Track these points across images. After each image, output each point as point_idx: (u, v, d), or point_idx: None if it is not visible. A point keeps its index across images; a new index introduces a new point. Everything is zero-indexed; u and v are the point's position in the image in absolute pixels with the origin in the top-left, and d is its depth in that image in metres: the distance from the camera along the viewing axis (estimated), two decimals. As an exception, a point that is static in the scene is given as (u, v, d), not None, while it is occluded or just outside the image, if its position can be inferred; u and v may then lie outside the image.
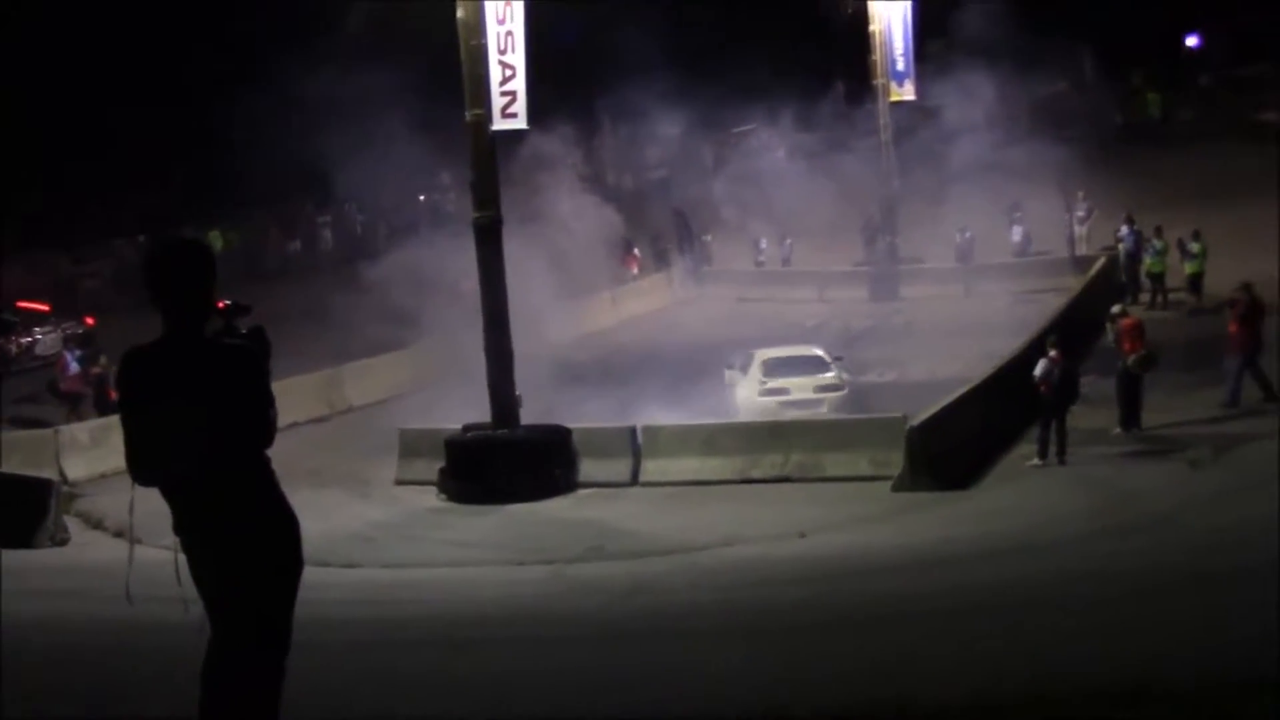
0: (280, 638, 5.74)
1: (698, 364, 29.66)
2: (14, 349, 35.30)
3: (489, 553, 18.04)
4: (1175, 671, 7.72)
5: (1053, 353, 20.85)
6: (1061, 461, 20.23)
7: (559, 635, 11.85)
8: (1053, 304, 30.21)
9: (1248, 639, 8.54)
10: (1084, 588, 12.07)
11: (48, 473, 22.36)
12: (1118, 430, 21.61)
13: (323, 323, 31.27)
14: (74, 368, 29.79)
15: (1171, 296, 33.60)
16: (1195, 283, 32.92)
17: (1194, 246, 32.85)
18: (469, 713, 8.06)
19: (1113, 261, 35.36)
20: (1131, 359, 21.76)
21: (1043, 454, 20.35)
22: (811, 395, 25.11)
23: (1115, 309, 23.42)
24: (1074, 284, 33.27)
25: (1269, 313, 23.45)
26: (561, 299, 35.28)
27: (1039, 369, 20.64)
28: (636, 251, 44.82)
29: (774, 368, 26.07)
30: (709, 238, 45.29)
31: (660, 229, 46.12)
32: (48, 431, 25.81)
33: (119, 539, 18.52)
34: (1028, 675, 7.86)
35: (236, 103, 34.66)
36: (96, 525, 20.65)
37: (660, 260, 45.13)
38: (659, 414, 23.73)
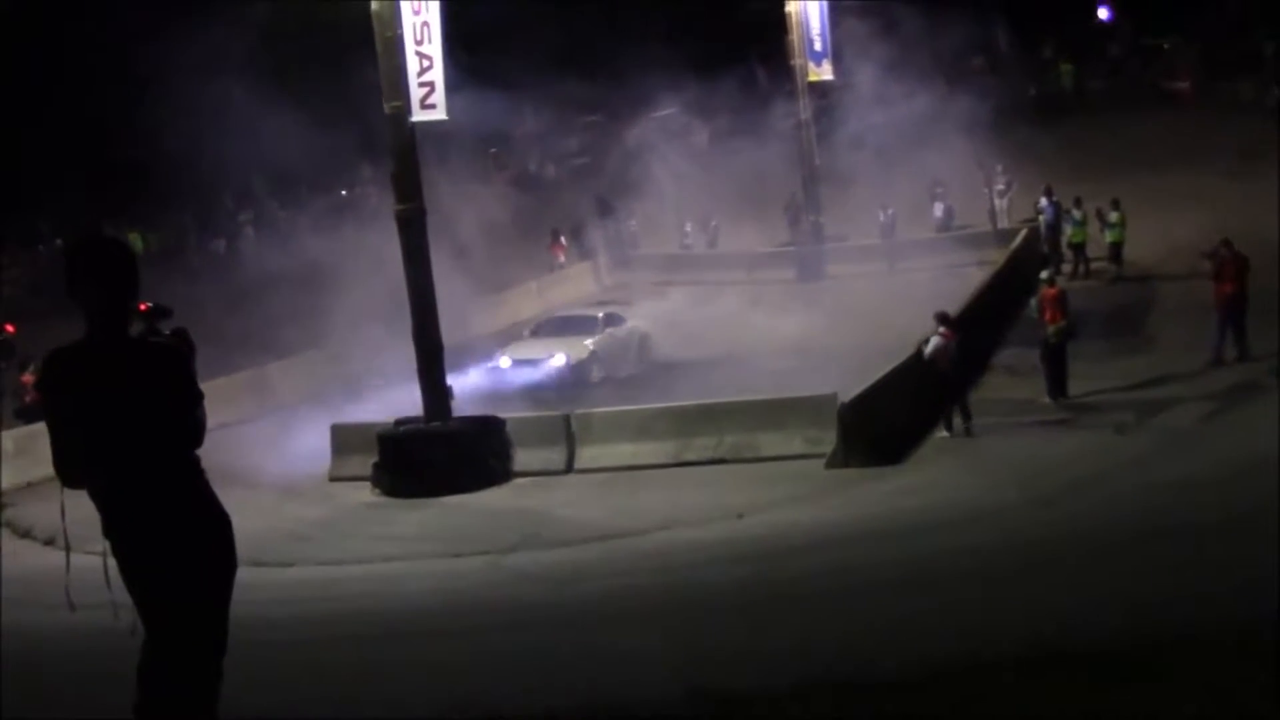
0: (217, 639, 5.69)
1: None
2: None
3: (425, 546, 17.97)
4: (1094, 633, 7.90)
5: (943, 329, 21.28)
6: (968, 433, 20.70)
7: (498, 624, 11.85)
8: (976, 277, 30.47)
9: (1177, 598, 8.71)
10: (1014, 556, 12.23)
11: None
12: (1045, 400, 21.87)
13: (247, 321, 30.92)
14: None
15: (1094, 266, 34.00)
16: (1116, 251, 33.40)
17: (1113, 216, 33.33)
18: (411, 706, 8.02)
19: (1034, 233, 35.72)
20: (1052, 329, 22.09)
21: (948, 426, 20.85)
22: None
23: (1043, 275, 23.70)
24: (996, 257, 33.59)
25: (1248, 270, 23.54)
26: (486, 290, 35.22)
27: (929, 347, 20.97)
28: (563, 240, 44.74)
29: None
30: (633, 223, 45.26)
31: (583, 216, 46.06)
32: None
33: (48, 547, 18.32)
34: (962, 644, 7.93)
35: (150, 102, 34.23)
36: (25, 534, 20.37)
37: (584, 248, 45.05)
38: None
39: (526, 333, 29.66)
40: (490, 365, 28.77)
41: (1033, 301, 23.31)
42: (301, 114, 32.08)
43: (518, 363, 28.64)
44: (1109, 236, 33.43)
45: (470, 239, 34.10)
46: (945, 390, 20.97)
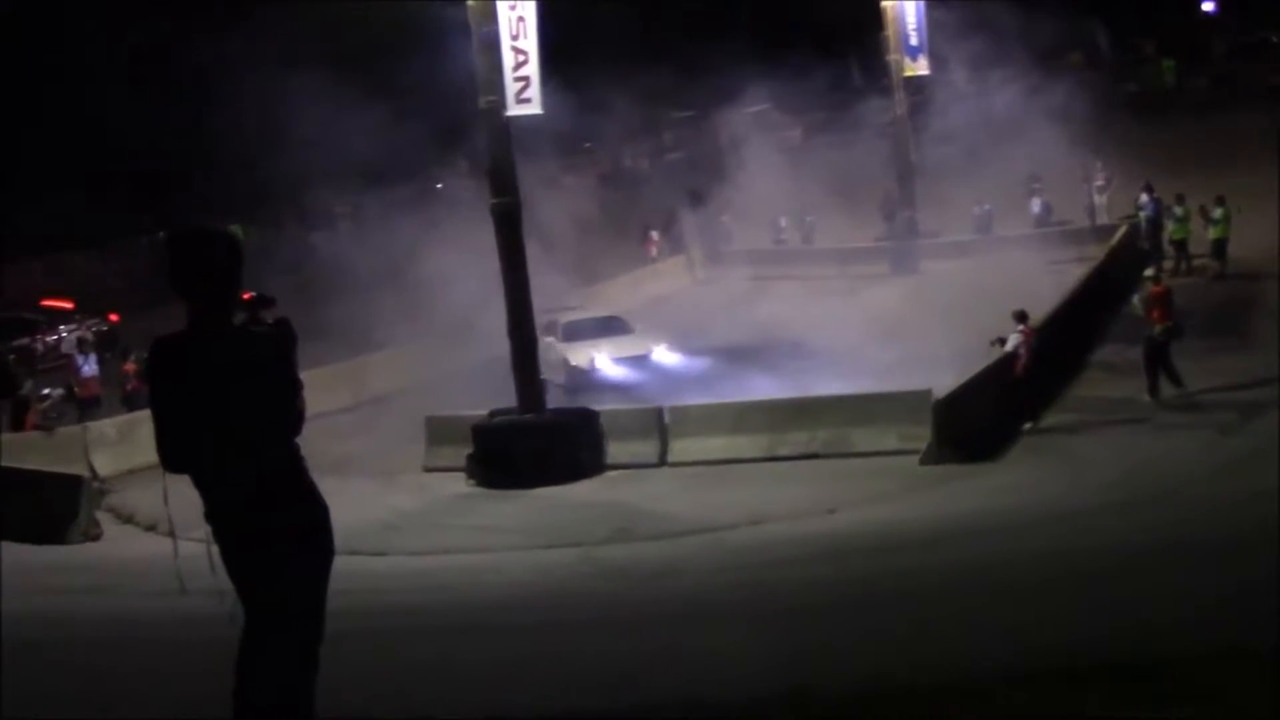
0: (314, 627, 5.75)
1: (718, 344, 29.88)
2: (40, 348, 35.36)
3: (517, 538, 18.05)
4: (1189, 643, 7.65)
5: (1021, 327, 21.53)
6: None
7: (589, 619, 11.83)
8: (1074, 273, 30.05)
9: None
10: (1105, 561, 12.01)
11: (77, 469, 22.47)
12: (1145, 398, 21.53)
13: (345, 312, 31.23)
14: (87, 370, 28.89)
15: (1196, 263, 33.37)
16: (1220, 248, 32.63)
17: (1217, 213, 32.57)
18: (500, 699, 8.04)
19: (1134, 230, 35.17)
20: (1159, 328, 21.71)
21: (1033, 418, 20.94)
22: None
23: (1148, 272, 23.38)
24: (1095, 253, 33.11)
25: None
26: (579, 284, 35.28)
27: (1010, 342, 20.95)
28: (655, 235, 44.76)
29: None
30: (726, 218, 45.15)
31: (675, 211, 46.02)
32: (76, 428, 25.90)
33: (150, 533, 18.68)
34: (1053, 649, 7.80)
35: (246, 95, 34.69)
36: (128, 520, 20.76)
37: (677, 242, 45.04)
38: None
39: (553, 339, 28.63)
40: (576, 366, 28.55)
41: (1136, 299, 22.94)
42: (395, 106, 32.40)
43: (619, 360, 28.45)
44: (1213, 233, 32.70)
45: (563, 233, 34.19)
46: (1022, 388, 20.99)
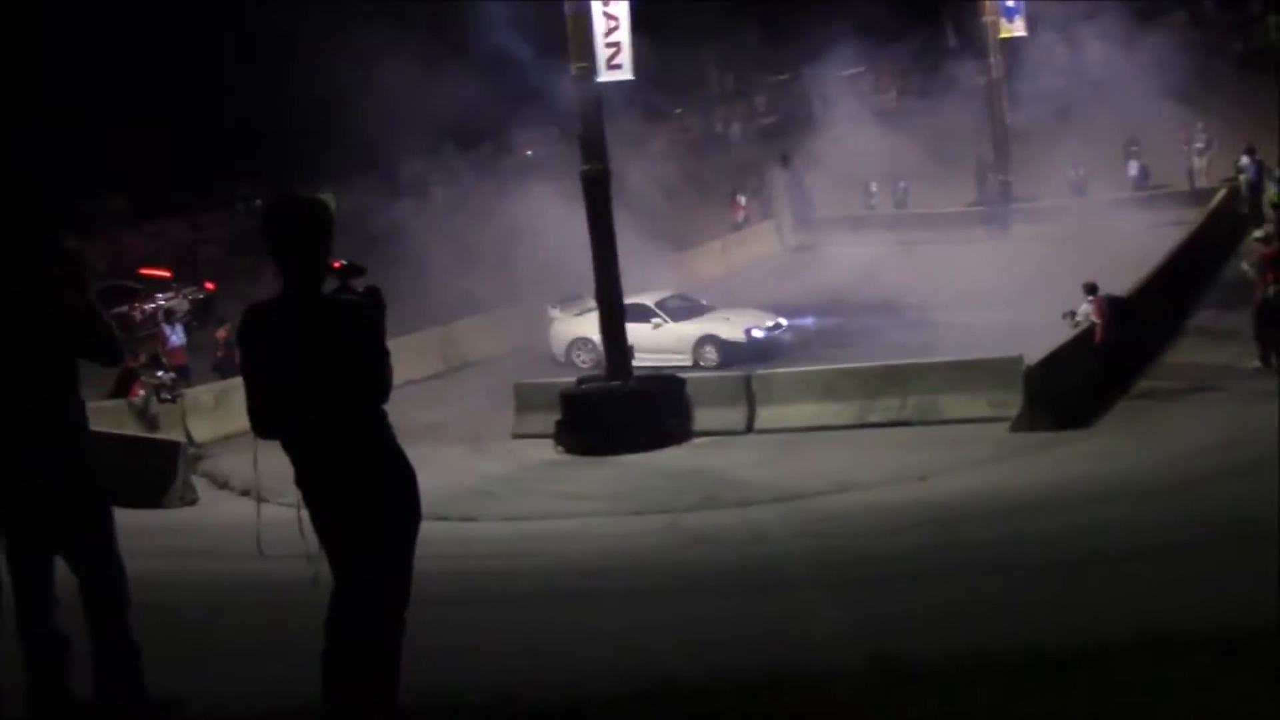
0: (400, 590, 5.80)
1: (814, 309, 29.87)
2: (138, 315, 35.93)
3: (605, 504, 18.13)
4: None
5: (1090, 298, 21.15)
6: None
7: (676, 587, 11.84)
8: (1172, 237, 29.50)
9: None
10: (1197, 531, 11.81)
11: (175, 435, 22.84)
12: (1254, 364, 20.89)
13: (437, 278, 31.43)
14: (174, 340, 29.07)
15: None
16: (1320, 212, 31.84)
17: (1322, 175, 31.74)
18: (586, 665, 8.08)
19: (1234, 193, 34.46)
20: (1273, 289, 20.75)
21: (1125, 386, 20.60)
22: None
23: (1257, 234, 22.83)
24: (1194, 217, 32.47)
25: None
26: (668, 250, 35.21)
27: (1080, 313, 20.98)
28: (742, 199, 44.52)
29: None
30: (808, 181, 44.71)
31: (766, 176, 45.70)
32: (173, 386, 26.23)
33: (245, 498, 18.92)
34: (1136, 622, 7.66)
35: (337, 64, 34.94)
36: (223, 485, 21.07)
37: (767, 207, 44.77)
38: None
39: (657, 321, 28.38)
40: (728, 340, 28.07)
41: (1245, 264, 22.29)
42: (486, 72, 32.47)
43: (769, 330, 28.24)
44: (1319, 197, 31.85)
45: (652, 198, 34.10)
46: (1109, 359, 20.62)
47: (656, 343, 27.58)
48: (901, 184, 43.76)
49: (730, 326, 28.16)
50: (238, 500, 19.53)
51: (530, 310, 30.32)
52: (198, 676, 7.58)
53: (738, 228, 43.71)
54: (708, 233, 41.70)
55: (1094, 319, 21.31)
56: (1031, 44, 42.88)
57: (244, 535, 13.73)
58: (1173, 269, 25.27)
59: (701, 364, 27.27)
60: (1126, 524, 12.75)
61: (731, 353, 27.34)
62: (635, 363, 23.98)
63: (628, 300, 24.69)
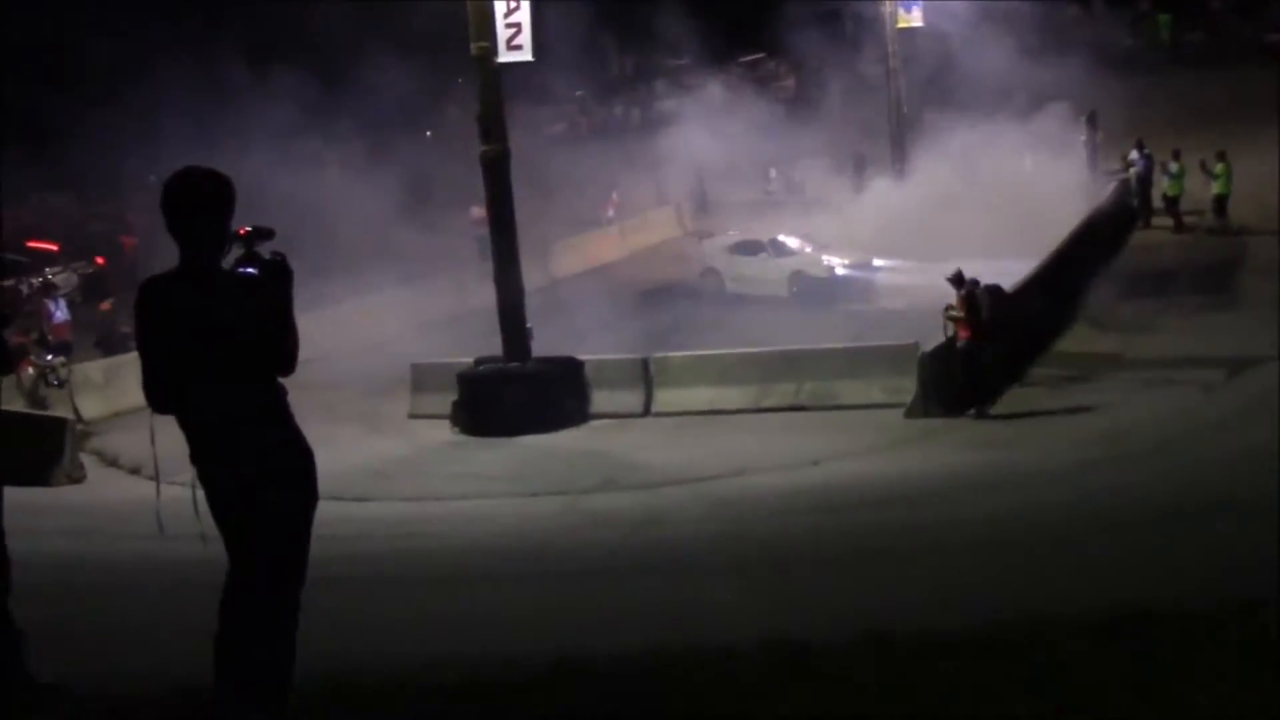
0: (295, 571, 5.74)
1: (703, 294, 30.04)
2: (25, 289, 35.20)
3: (502, 485, 18.07)
4: (1168, 599, 7.64)
5: (959, 290, 20.17)
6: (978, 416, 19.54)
7: (573, 568, 11.87)
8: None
9: (1244, 565, 8.52)
10: (1087, 517, 12.07)
11: (62, 411, 22.42)
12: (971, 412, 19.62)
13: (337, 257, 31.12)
14: (59, 316, 28.37)
15: (1196, 219, 33.10)
16: (1221, 204, 32.30)
17: (1218, 168, 32.17)
18: (481, 645, 8.07)
19: (1124, 186, 35.05)
20: (961, 341, 19.88)
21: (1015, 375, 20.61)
22: None
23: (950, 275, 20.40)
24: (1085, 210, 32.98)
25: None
26: (564, 234, 35.17)
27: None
28: (615, 195, 43.97)
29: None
30: (700, 172, 44.68)
31: (663, 162, 45.64)
32: (61, 370, 25.78)
33: (134, 476, 18.67)
34: (1028, 604, 7.81)
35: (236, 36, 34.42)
36: (112, 463, 20.74)
37: (664, 193, 44.74)
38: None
39: (765, 256, 31.91)
40: (815, 275, 30.73)
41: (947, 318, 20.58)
42: (388, 52, 32.18)
43: (850, 267, 30.80)
44: (1215, 188, 32.35)
45: (550, 181, 34.07)
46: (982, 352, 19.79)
47: (762, 273, 31.51)
48: (797, 173, 44.01)
49: (815, 264, 31.17)
50: (127, 478, 19.25)
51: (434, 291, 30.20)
52: (89, 658, 7.46)
53: (606, 224, 43.18)
54: (603, 217, 41.66)
55: (958, 314, 20.02)
56: (929, 35, 43.30)
57: (131, 514, 13.53)
58: (1062, 260, 25.67)
59: (794, 294, 30.60)
60: (1014, 510, 13.02)
61: (813, 287, 30.29)
62: (744, 291, 30.64)
63: (745, 237, 32.03)
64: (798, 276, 31.15)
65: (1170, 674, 6.07)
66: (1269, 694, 5.70)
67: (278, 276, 5.67)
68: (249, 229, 5.70)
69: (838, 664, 6.70)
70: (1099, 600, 7.61)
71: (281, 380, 5.74)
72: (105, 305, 28.02)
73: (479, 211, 34.28)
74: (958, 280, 20.15)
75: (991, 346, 19.93)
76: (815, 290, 30.21)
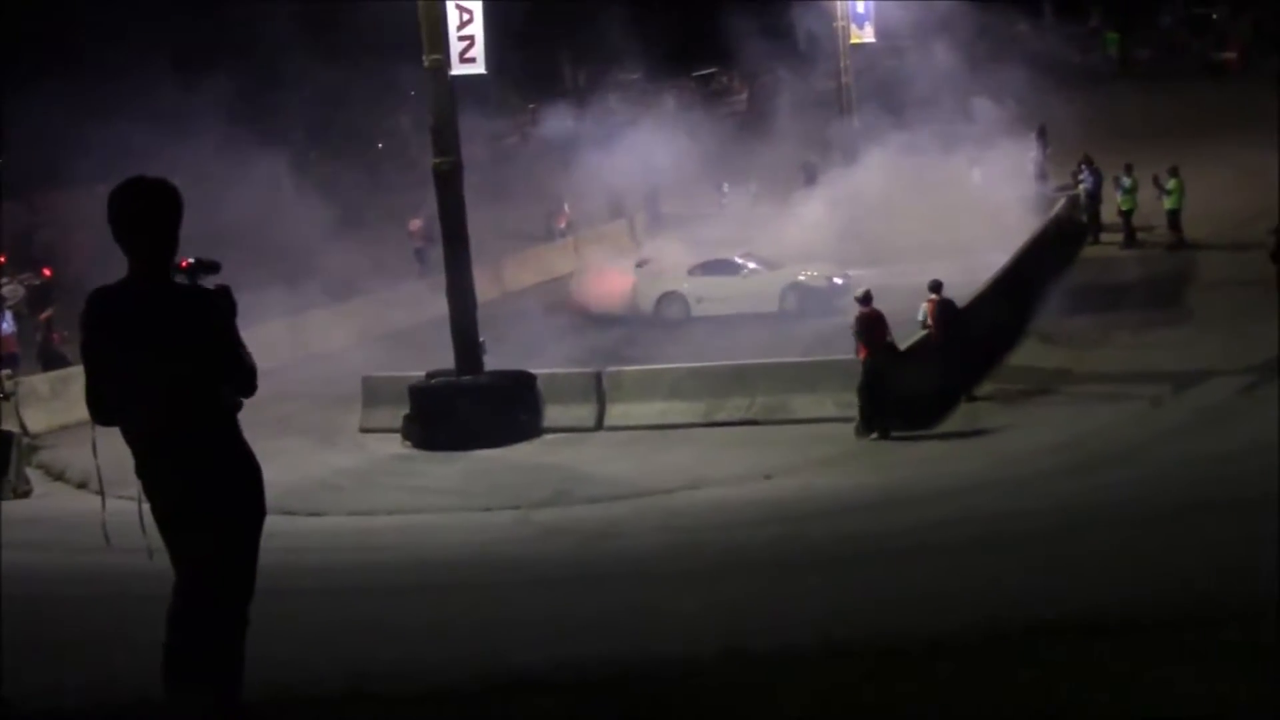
0: (244, 585, 5.69)
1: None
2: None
3: (455, 499, 18.02)
4: (1132, 604, 7.74)
5: (932, 295, 21.14)
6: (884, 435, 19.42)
7: (525, 580, 11.87)
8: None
9: (1208, 571, 8.62)
10: (1042, 525, 12.16)
11: (8, 425, 22.15)
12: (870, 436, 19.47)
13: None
14: (4, 328, 27.92)
15: (1140, 236, 33.34)
16: (1174, 219, 32.48)
17: (1170, 183, 32.29)
18: (434, 658, 8.04)
19: (1073, 202, 35.32)
20: (867, 360, 19.66)
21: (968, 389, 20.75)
22: None
23: (858, 293, 20.56)
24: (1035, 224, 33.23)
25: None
26: (519, 247, 35.12)
27: (920, 311, 20.99)
28: (567, 208, 43.86)
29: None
30: (655, 187, 44.70)
31: (617, 176, 45.63)
32: (7, 383, 25.48)
33: (82, 490, 18.48)
34: (988, 613, 7.88)
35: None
36: (59, 477, 20.54)
37: (619, 206, 44.72)
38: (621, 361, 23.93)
39: (746, 272, 30.81)
40: (813, 287, 29.97)
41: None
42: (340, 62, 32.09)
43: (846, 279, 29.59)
44: (1167, 204, 32.45)
45: (503, 194, 34.04)
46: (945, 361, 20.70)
47: (744, 291, 30.07)
48: (753, 187, 44.12)
49: (812, 275, 30.22)
50: (75, 492, 19.07)
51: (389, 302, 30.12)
52: (37, 671, 7.39)
53: (560, 235, 43.10)
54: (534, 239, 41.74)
55: (928, 320, 21.07)
56: (881, 50, 43.63)
57: (78, 526, 13.41)
58: (1013, 276, 25.85)
59: (785, 309, 29.51)
60: (963, 521, 13.09)
61: (812, 298, 29.37)
62: (724, 312, 29.13)
63: (715, 257, 30.50)
64: (791, 289, 30.01)
65: (1138, 674, 6.10)
66: (1225, 700, 5.74)
67: (222, 309, 5.63)
68: (192, 261, 5.64)
69: (796, 672, 6.71)
70: (1054, 604, 7.68)
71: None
72: (44, 315, 27.57)
73: (417, 223, 34.63)
74: (936, 287, 21.16)
75: (945, 355, 20.64)
76: (814, 301, 29.24)
